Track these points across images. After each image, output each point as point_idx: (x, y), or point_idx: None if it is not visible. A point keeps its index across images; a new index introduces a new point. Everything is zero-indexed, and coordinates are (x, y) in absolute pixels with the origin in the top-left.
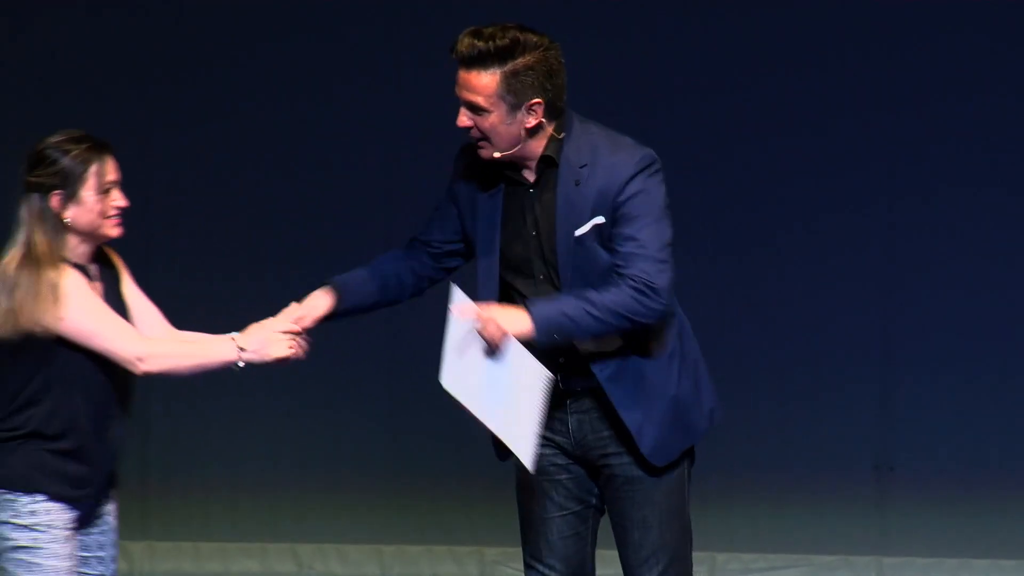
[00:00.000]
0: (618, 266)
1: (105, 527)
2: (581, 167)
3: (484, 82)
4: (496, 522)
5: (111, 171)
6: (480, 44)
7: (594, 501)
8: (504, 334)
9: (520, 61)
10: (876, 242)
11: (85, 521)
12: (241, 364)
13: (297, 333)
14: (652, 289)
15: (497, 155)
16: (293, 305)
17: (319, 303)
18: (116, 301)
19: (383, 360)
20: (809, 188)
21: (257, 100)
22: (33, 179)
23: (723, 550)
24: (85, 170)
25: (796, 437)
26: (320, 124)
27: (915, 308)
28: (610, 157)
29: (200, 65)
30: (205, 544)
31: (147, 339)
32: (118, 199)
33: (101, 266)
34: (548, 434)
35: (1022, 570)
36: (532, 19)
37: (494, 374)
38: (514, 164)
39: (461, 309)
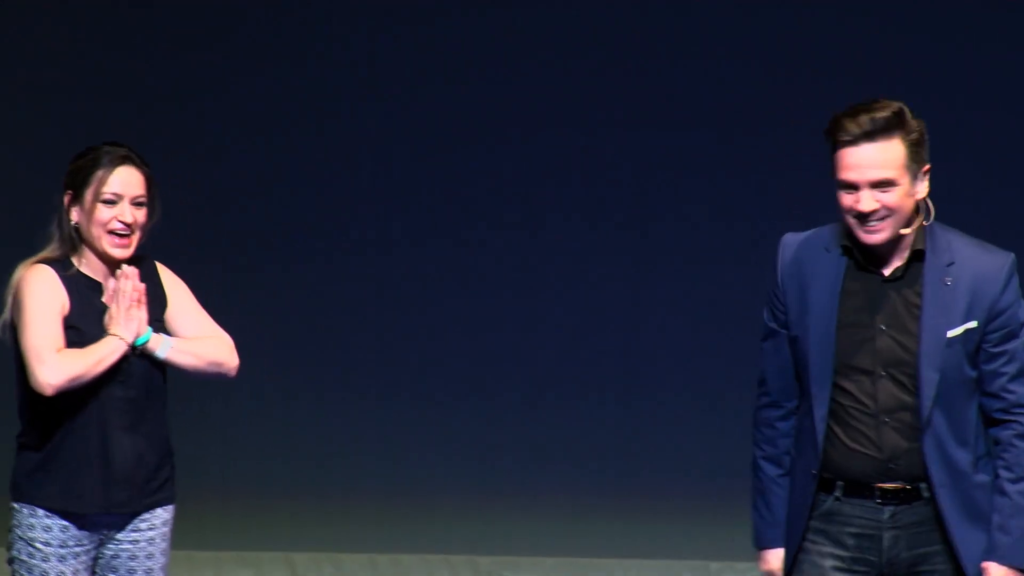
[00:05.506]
0: (1008, 397)
1: (135, 552)
2: (948, 265)
3: (893, 153)
4: (490, 531)
5: (118, 183)
6: (879, 115)
7: None
8: None
9: (913, 125)
10: None
11: (101, 540)
12: (129, 346)
13: None
14: None
15: (889, 236)
16: None
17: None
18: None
19: (379, 368)
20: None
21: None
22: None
23: (718, 558)
24: (91, 174)
25: None
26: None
27: None
28: (978, 258)
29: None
30: (199, 553)
31: (54, 350)
32: (122, 214)
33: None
34: (854, 554)
35: None
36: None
37: None
38: (872, 253)
39: None
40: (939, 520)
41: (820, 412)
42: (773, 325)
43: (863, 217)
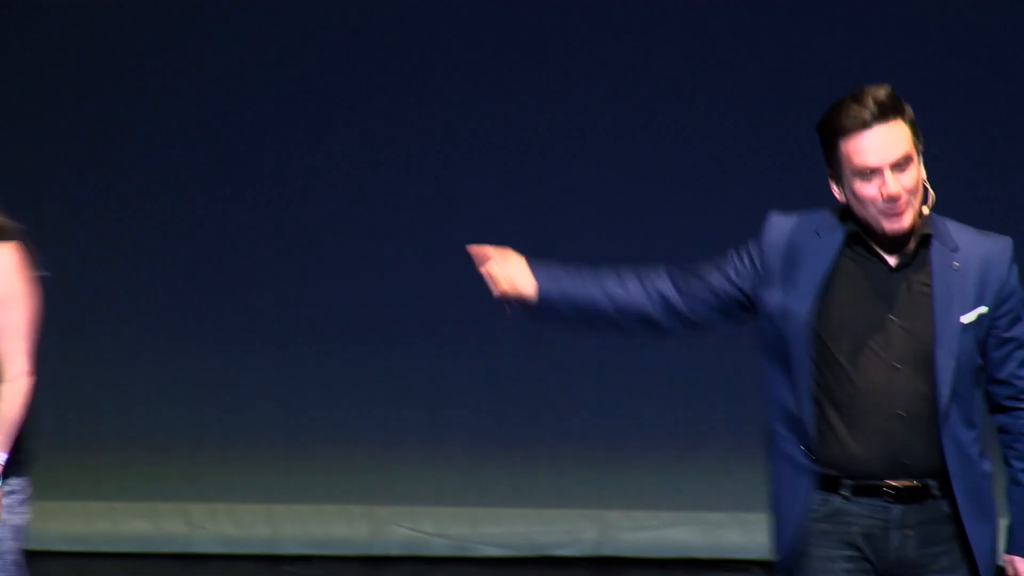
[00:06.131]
0: (1018, 383)
1: None
2: (953, 250)
3: (902, 131)
4: (387, 481)
5: None
6: (880, 95)
7: None
8: None
9: (906, 105)
10: None
11: None
12: None
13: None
14: None
15: (911, 221)
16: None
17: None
18: None
19: (275, 318)
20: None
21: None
22: None
23: (614, 507)
24: None
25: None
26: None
27: None
28: (980, 242)
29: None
30: (95, 504)
31: None
32: None
33: None
34: (863, 554)
35: None
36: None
37: None
38: (885, 242)
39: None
40: (951, 516)
41: (806, 403)
42: (730, 272)
43: (890, 202)
